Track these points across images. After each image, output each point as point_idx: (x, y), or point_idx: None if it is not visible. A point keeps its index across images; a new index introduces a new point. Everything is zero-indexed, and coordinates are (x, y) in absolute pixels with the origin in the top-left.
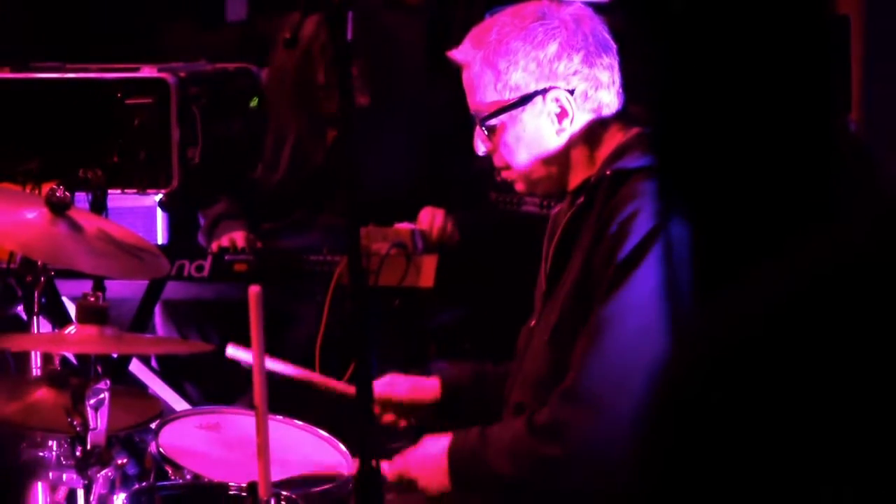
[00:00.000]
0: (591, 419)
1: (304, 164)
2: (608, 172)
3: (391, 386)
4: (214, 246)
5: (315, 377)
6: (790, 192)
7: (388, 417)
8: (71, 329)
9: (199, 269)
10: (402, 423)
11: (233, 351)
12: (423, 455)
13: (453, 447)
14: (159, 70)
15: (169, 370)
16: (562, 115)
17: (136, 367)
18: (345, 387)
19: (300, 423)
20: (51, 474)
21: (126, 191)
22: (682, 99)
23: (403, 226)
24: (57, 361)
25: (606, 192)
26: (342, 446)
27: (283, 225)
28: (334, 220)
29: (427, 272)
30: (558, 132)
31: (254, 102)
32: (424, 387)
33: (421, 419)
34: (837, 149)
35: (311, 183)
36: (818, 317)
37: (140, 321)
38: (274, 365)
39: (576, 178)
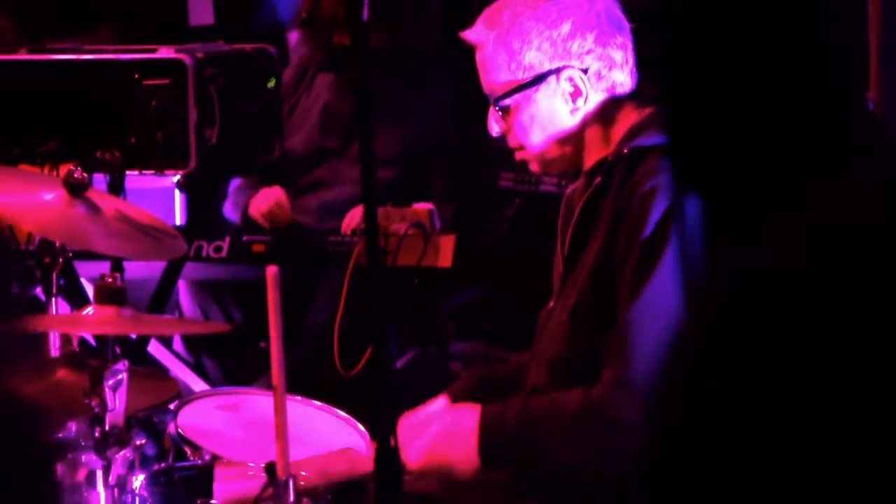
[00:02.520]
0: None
1: (333, 121)
2: (625, 151)
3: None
4: (254, 209)
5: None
6: (799, 166)
7: None
8: (88, 310)
9: (218, 249)
10: None
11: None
12: (449, 434)
13: (487, 425)
14: (177, 51)
15: (191, 350)
16: (575, 94)
17: (155, 348)
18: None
19: (319, 403)
20: (70, 455)
21: (144, 172)
22: (694, 77)
23: (421, 206)
24: (75, 343)
25: (624, 170)
26: (361, 426)
27: (305, 184)
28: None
29: (445, 252)
30: (572, 112)
31: (271, 83)
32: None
33: None
34: (852, 125)
35: (337, 138)
36: (832, 283)
37: (158, 302)
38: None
39: (591, 158)
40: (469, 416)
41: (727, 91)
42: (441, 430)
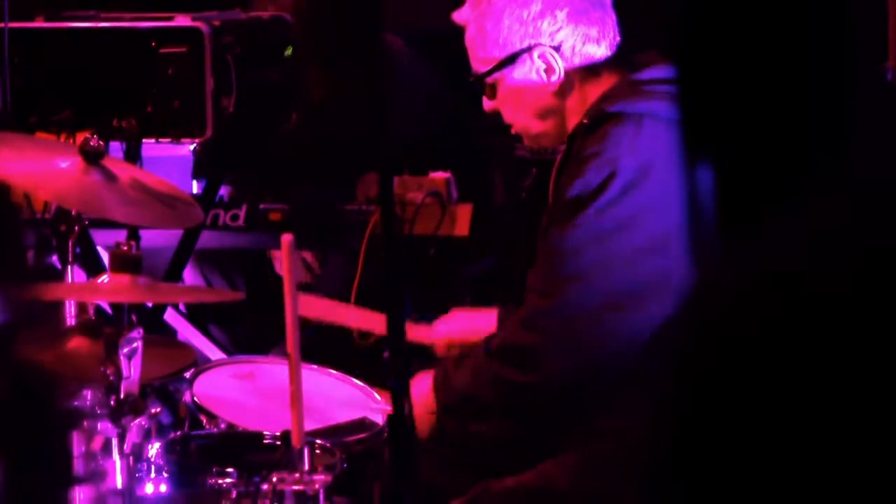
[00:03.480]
0: (555, 344)
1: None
2: (585, 120)
3: (450, 325)
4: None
5: (350, 318)
6: (813, 137)
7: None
8: (104, 278)
9: (234, 218)
10: None
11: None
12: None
13: (435, 378)
14: (193, 19)
15: (197, 317)
16: (549, 70)
17: (171, 316)
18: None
19: (335, 371)
20: (85, 423)
21: (160, 140)
22: (706, 47)
23: (438, 174)
24: (91, 311)
25: (581, 137)
26: (377, 395)
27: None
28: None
29: (462, 221)
30: (548, 87)
31: (288, 51)
32: (482, 326)
33: None
34: (869, 96)
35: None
36: (846, 257)
37: (174, 270)
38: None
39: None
40: (426, 374)
41: (741, 62)
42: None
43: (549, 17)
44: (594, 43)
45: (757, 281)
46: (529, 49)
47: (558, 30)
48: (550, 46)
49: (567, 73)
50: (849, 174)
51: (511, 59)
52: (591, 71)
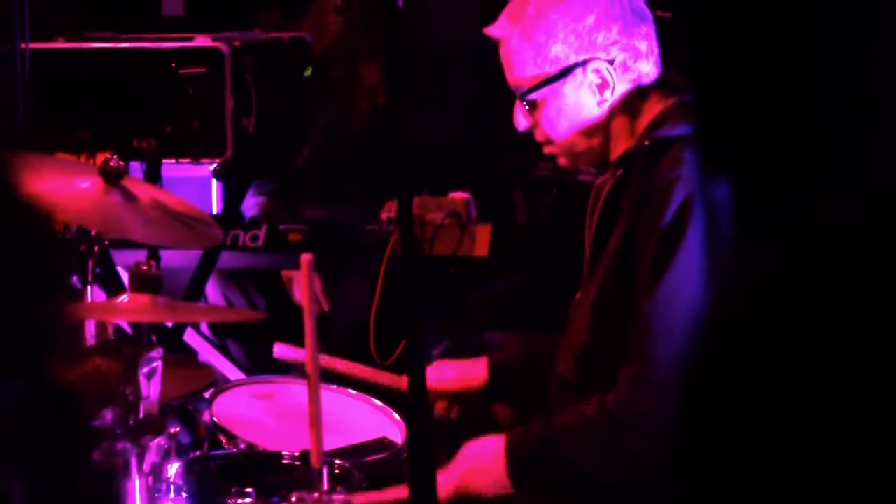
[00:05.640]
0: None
1: (338, 135)
2: (647, 142)
3: (438, 374)
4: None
5: (365, 373)
6: (830, 151)
7: (439, 406)
8: (124, 298)
9: (254, 238)
10: (454, 415)
11: (281, 351)
12: (477, 461)
13: (513, 446)
14: (213, 39)
15: (218, 336)
16: (602, 86)
17: (190, 336)
18: (395, 380)
19: (354, 391)
20: (105, 443)
21: (180, 160)
22: (724, 64)
23: (458, 195)
24: (111, 331)
25: (645, 161)
26: (396, 415)
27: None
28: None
29: (481, 241)
30: (599, 103)
31: (308, 72)
32: (472, 374)
33: (470, 404)
34: (884, 109)
35: (346, 156)
36: (858, 268)
37: (194, 290)
38: (323, 360)
39: (617, 149)
40: (494, 443)
41: (757, 77)
42: (469, 461)
43: (604, 30)
44: (644, 59)
45: (771, 282)
46: (584, 63)
47: (613, 44)
48: (605, 61)
49: (619, 89)
50: (861, 177)
51: (564, 73)
52: (640, 89)
